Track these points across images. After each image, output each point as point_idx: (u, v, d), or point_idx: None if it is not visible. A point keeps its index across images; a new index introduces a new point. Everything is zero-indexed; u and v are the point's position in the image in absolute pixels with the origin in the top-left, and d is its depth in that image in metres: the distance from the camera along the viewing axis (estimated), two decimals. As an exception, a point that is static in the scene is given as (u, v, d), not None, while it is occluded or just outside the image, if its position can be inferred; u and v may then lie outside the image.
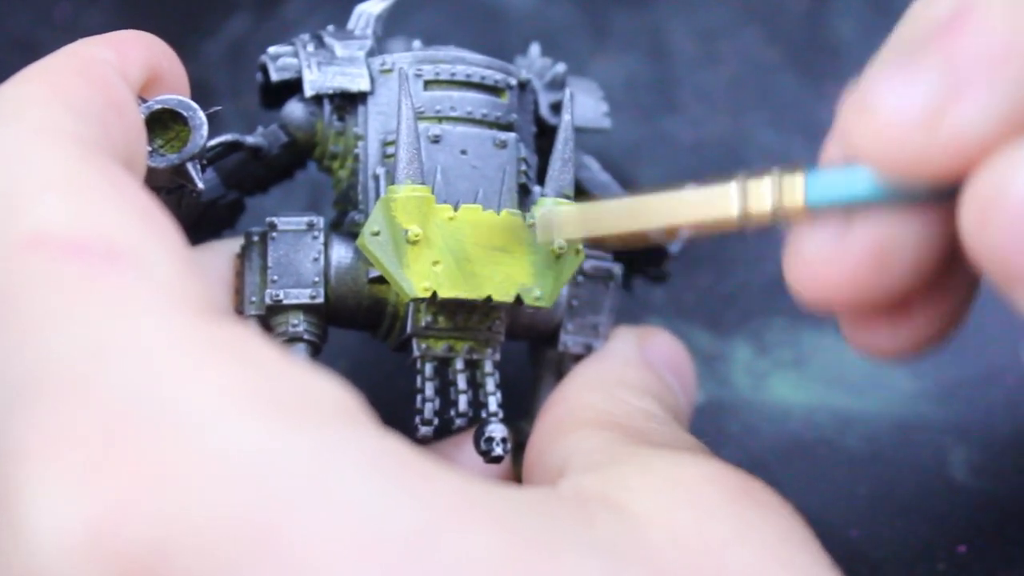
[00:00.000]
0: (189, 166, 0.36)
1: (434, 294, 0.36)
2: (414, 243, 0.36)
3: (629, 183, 0.43)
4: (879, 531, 0.44)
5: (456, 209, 0.37)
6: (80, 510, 0.25)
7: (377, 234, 0.36)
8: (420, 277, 0.36)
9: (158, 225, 0.29)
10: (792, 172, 0.32)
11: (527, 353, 0.44)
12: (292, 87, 0.40)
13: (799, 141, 0.53)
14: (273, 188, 0.43)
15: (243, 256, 0.39)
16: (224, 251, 0.40)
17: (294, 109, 0.40)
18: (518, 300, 0.36)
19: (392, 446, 0.27)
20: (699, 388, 0.47)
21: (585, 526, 0.28)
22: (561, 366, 0.41)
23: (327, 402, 0.27)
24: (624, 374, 0.39)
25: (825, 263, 0.32)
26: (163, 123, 0.36)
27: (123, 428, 0.25)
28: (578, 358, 0.40)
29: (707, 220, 0.33)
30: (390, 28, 0.43)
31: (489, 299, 0.36)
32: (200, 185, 0.36)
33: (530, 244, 0.37)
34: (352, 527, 0.25)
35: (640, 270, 0.44)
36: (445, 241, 0.36)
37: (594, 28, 0.57)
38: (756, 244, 0.51)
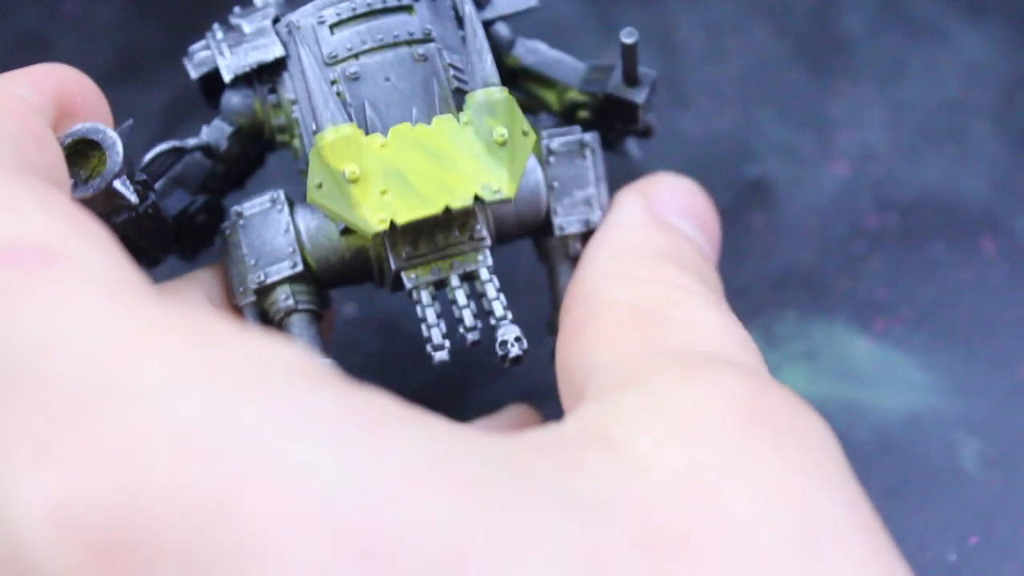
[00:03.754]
0: (118, 184, 0.36)
1: (392, 223, 0.35)
2: (354, 182, 0.35)
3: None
4: (890, 523, 0.44)
5: (386, 135, 0.36)
6: (43, 490, 0.25)
7: (320, 186, 0.36)
8: (373, 211, 0.35)
9: (89, 229, 0.29)
10: None
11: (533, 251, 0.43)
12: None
13: (808, 136, 0.53)
14: (249, 179, 0.42)
15: (223, 253, 0.39)
16: (202, 278, 0.40)
17: (230, 98, 0.40)
18: (478, 200, 0.36)
19: (355, 406, 0.26)
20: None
21: (570, 479, 0.27)
22: (567, 250, 0.40)
23: (280, 366, 0.27)
24: (635, 244, 0.38)
25: None
26: (83, 153, 0.36)
27: (72, 409, 0.26)
28: (584, 236, 0.40)
29: None
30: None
31: (448, 209, 0.35)
32: (134, 200, 0.36)
33: (470, 144, 0.36)
34: (303, 493, 0.25)
35: (619, 132, 0.42)
36: (384, 169, 0.36)
37: (602, 23, 0.57)
38: (765, 237, 0.51)
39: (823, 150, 0.53)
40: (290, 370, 0.27)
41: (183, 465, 0.25)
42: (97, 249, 0.29)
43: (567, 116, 0.42)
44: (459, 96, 0.38)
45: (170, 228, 0.40)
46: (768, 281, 0.50)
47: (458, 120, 0.36)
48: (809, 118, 0.54)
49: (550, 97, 0.42)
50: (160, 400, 0.25)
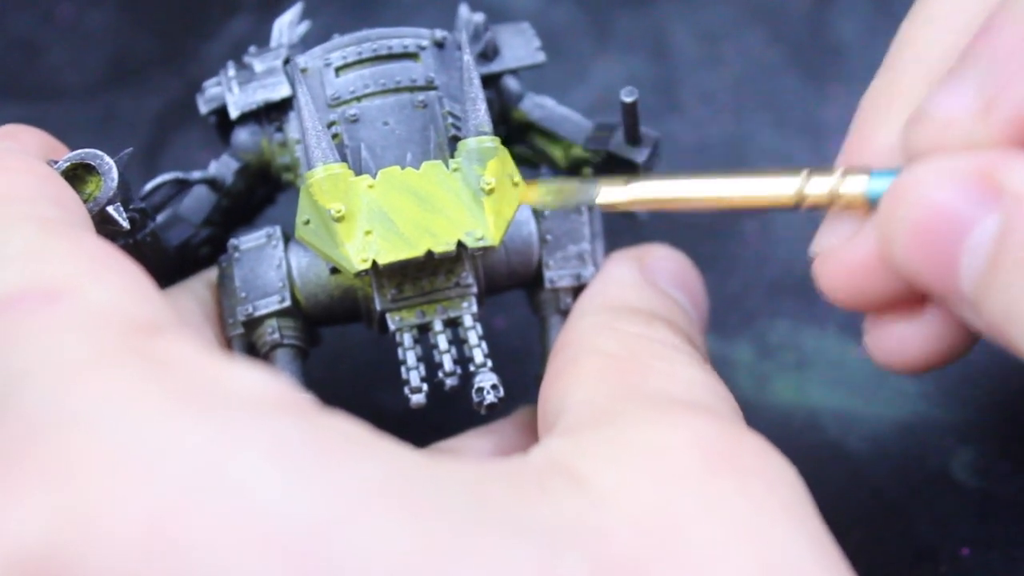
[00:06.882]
0: (111, 210, 0.37)
1: (374, 263, 0.36)
2: (339, 220, 0.36)
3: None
4: (881, 533, 0.44)
5: (375, 176, 0.37)
6: None
7: (308, 222, 0.36)
8: (357, 250, 0.36)
9: (105, 265, 0.30)
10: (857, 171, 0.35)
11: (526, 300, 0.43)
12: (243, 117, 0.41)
13: (802, 142, 0.53)
14: (259, 217, 0.43)
15: (219, 284, 0.40)
16: (195, 287, 0.41)
17: (238, 134, 0.41)
18: (461, 246, 0.36)
19: (318, 433, 0.27)
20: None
21: (530, 507, 0.27)
22: (559, 303, 0.40)
23: (241, 393, 0.27)
24: (627, 301, 0.38)
25: (837, 255, 0.34)
26: (79, 178, 0.37)
27: (23, 438, 0.26)
28: (576, 290, 0.40)
29: (766, 199, 0.36)
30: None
31: (430, 253, 0.36)
32: (125, 226, 0.37)
33: (457, 191, 0.36)
34: (244, 515, 0.25)
35: None
36: (371, 209, 0.36)
37: (596, 29, 0.57)
38: (759, 246, 0.51)
39: (817, 156, 0.53)
40: (255, 398, 0.27)
41: (117, 489, 0.25)
42: (106, 286, 0.29)
43: (573, 172, 0.42)
44: (455, 144, 0.38)
45: (172, 259, 0.40)
46: (761, 290, 0.50)
47: (447, 166, 0.37)
48: (803, 124, 0.54)
49: (557, 152, 0.42)
50: (104, 426, 0.26)
